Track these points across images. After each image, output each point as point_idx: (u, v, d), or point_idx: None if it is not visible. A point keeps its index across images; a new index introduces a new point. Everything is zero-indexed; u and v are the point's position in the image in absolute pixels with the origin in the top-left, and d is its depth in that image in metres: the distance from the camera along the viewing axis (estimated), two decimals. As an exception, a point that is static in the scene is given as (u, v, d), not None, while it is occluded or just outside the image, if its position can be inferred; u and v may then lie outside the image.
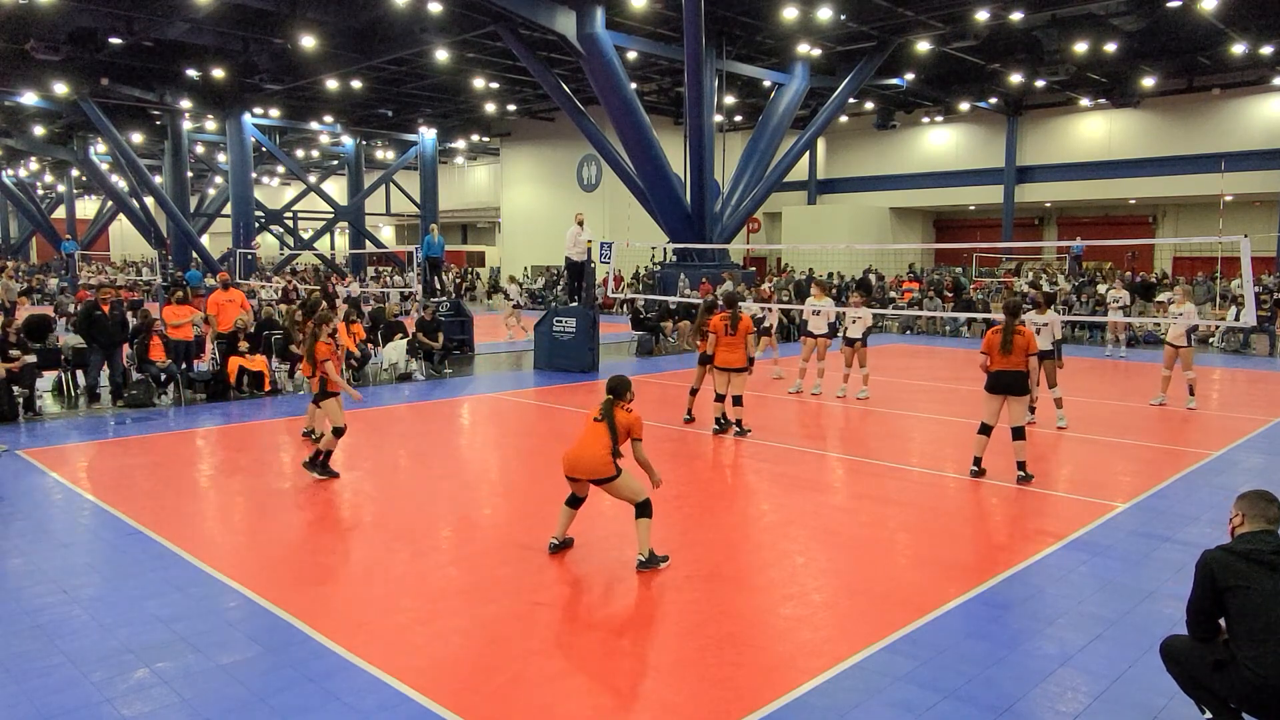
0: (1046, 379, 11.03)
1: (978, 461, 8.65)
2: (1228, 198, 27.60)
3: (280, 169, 52.05)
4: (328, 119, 37.67)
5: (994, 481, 8.51)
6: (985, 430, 8.59)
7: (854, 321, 13.12)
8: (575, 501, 6.39)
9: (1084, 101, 32.51)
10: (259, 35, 24.32)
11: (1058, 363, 11.25)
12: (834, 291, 22.43)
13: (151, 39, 24.92)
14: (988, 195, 37.05)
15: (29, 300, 26.68)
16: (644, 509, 6.11)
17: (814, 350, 13.60)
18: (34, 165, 49.99)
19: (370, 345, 15.34)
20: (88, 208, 59.69)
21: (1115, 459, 9.62)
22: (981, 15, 22.10)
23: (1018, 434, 8.38)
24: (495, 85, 31.43)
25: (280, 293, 24.49)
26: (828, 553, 6.56)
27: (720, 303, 10.99)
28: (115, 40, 24.20)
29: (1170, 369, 12.58)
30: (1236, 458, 9.61)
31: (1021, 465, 8.40)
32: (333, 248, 50.36)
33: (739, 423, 10.53)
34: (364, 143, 43.24)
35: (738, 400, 10.44)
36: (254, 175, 37.29)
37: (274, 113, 35.32)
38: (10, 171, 48.12)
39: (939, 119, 36.67)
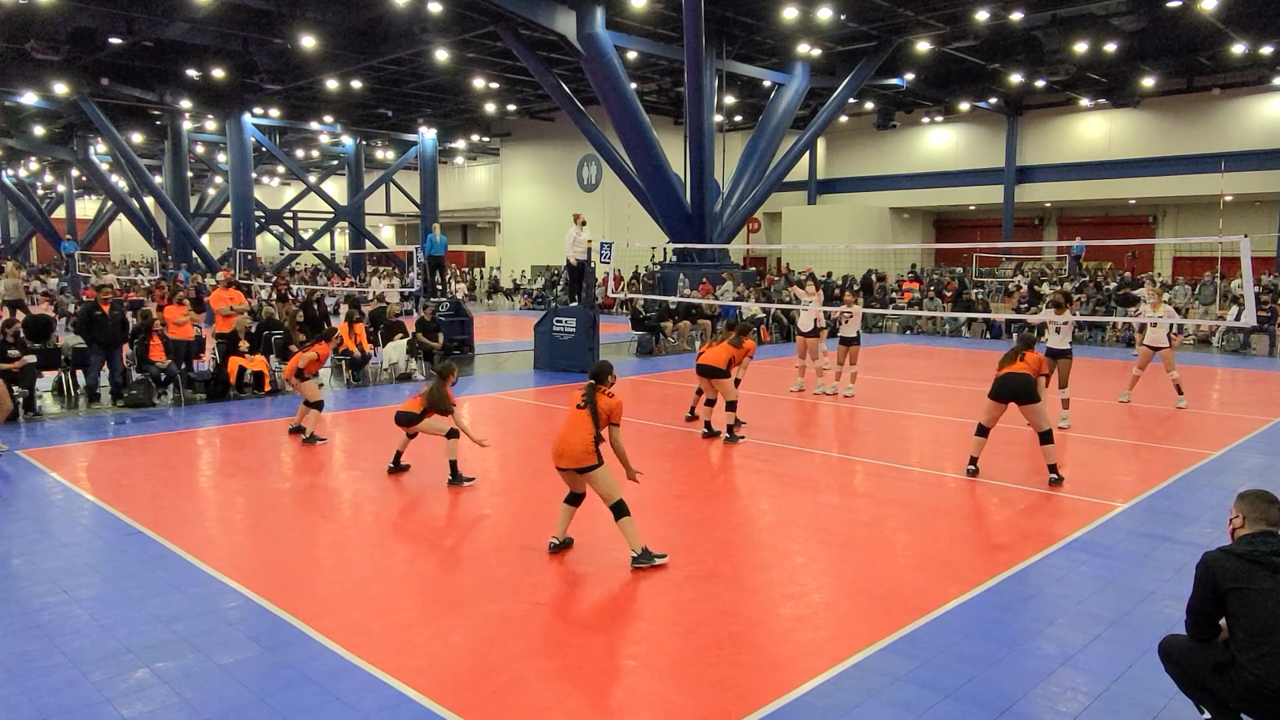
0: (1059, 378, 11.12)
1: (973, 461, 8.70)
2: (1228, 198, 27.58)
3: (280, 169, 52.03)
4: (328, 119, 37.65)
5: (994, 481, 8.51)
6: (982, 432, 8.63)
7: (846, 320, 13.20)
8: (574, 499, 6.38)
9: (1084, 101, 32.50)
10: (259, 35, 24.31)
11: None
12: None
13: (151, 39, 24.92)
14: (988, 195, 37.04)
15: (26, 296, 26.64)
16: (620, 509, 6.07)
17: (807, 349, 13.67)
18: (34, 165, 49.97)
19: (370, 346, 15.34)
20: (88, 208, 59.64)
21: (1115, 459, 9.62)
22: (981, 15, 22.10)
23: (1045, 439, 8.35)
24: (495, 85, 31.42)
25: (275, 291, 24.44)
26: (828, 553, 6.56)
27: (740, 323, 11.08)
28: (115, 40, 24.19)
29: (1143, 369, 12.70)
30: (1236, 458, 9.61)
31: (1053, 468, 8.37)
32: (333, 248, 50.35)
33: (729, 429, 10.31)
34: (364, 143, 43.22)
35: (730, 405, 10.27)
36: (254, 175, 37.28)
37: (274, 113, 35.31)
38: (10, 171, 48.08)
39: (939, 119, 36.66)
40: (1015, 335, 9.12)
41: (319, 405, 10.24)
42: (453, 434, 8.31)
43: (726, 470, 9.22)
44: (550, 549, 6.41)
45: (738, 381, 10.65)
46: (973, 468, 8.66)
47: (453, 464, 8.31)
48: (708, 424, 10.60)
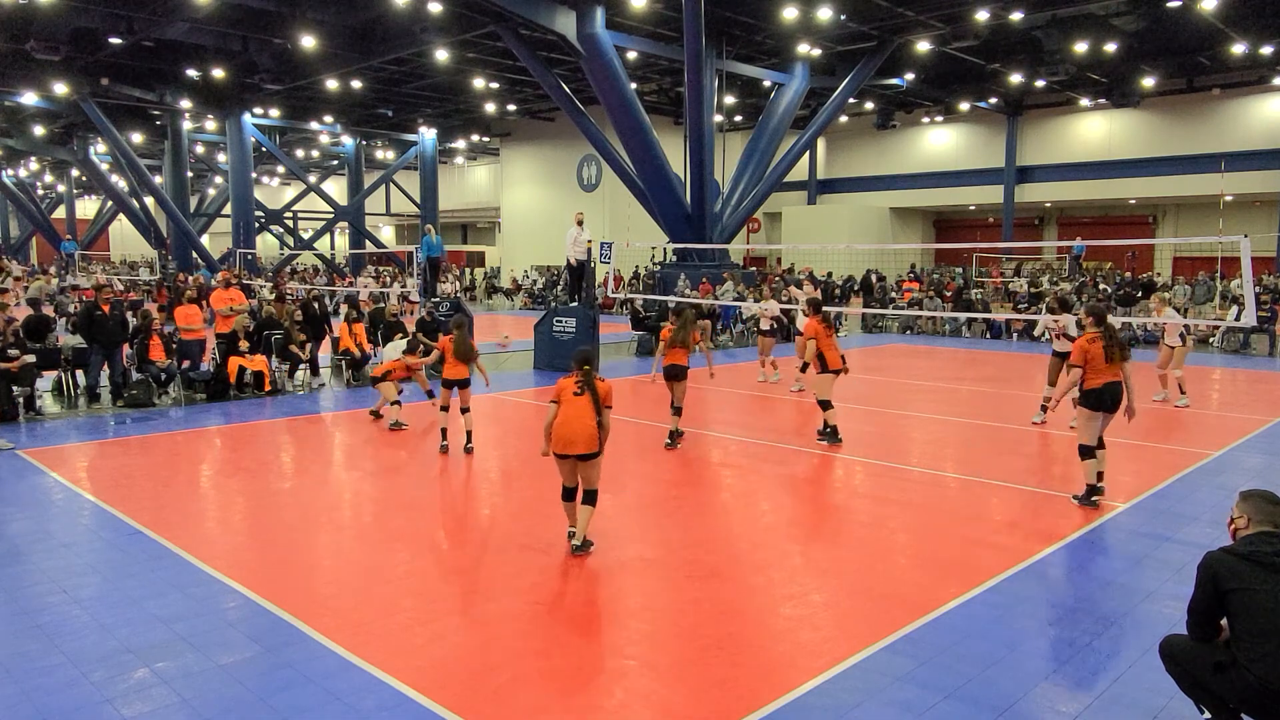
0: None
1: (1100, 477, 7.63)
2: (1228, 198, 27.59)
3: (280, 169, 52.03)
4: (328, 119, 37.65)
5: (993, 481, 8.51)
6: (1092, 452, 7.57)
7: (764, 314, 13.86)
8: (570, 494, 6.46)
9: (1084, 101, 32.51)
10: (259, 35, 24.33)
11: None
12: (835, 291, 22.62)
13: (151, 39, 24.93)
14: (988, 195, 37.05)
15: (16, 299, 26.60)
16: (595, 497, 6.41)
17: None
18: (34, 165, 49.97)
19: (370, 345, 15.34)
20: (88, 208, 59.63)
21: (1115, 459, 9.59)
22: (981, 15, 22.10)
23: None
24: (495, 85, 31.43)
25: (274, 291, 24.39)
26: (828, 553, 6.56)
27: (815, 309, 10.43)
28: (115, 40, 24.19)
29: (1165, 368, 12.84)
30: (1236, 458, 9.61)
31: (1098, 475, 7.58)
32: (333, 248, 50.34)
33: (828, 426, 10.17)
34: (364, 143, 43.22)
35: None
36: (254, 175, 37.27)
37: (274, 113, 35.31)
38: (10, 171, 48.07)
39: (939, 119, 36.68)
40: (1088, 312, 7.78)
41: (397, 403, 11.18)
42: (465, 410, 9.67)
43: (726, 470, 9.22)
44: (573, 550, 6.36)
45: (807, 365, 10.82)
46: (1096, 491, 7.59)
47: (468, 434, 9.61)
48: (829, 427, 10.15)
